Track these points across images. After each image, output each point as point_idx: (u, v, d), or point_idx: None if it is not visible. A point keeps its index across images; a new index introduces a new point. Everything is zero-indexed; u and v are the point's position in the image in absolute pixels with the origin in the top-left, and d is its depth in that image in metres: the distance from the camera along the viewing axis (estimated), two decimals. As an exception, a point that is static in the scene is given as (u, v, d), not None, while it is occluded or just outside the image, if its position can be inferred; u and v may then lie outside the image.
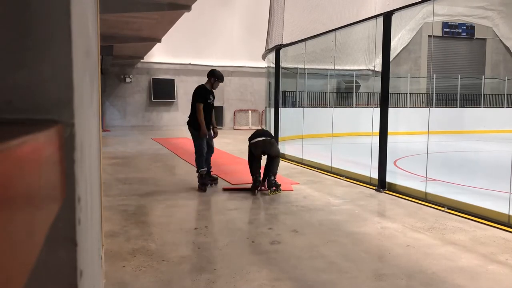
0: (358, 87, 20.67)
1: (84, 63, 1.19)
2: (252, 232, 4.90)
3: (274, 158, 6.89)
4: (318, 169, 9.22)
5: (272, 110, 12.44)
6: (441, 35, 23.37)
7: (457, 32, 23.77)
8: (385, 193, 6.94)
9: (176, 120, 21.53)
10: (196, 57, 21.60)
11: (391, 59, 9.70)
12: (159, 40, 14.62)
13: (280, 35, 11.19)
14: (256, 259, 3.99)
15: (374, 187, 7.24)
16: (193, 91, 7.16)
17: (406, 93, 20.47)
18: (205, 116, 6.88)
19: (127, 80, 21.45)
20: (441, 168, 9.33)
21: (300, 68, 15.70)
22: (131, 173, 8.62)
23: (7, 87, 0.82)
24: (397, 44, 22.08)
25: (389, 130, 7.32)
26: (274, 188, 6.72)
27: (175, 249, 4.22)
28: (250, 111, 23.08)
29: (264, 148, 6.86)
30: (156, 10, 9.72)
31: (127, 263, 3.81)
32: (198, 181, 6.97)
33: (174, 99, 21.98)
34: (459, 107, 20.45)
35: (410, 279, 3.57)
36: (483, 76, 22.27)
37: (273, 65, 12.19)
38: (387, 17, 7.19)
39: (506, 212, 5.12)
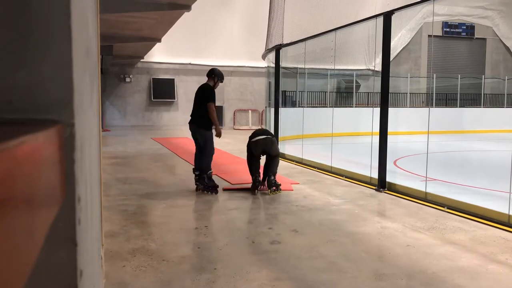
0: (358, 87, 20.68)
1: (84, 63, 1.19)
2: (252, 232, 4.90)
3: (274, 157, 6.90)
4: (318, 169, 9.23)
5: (272, 110, 12.44)
6: (441, 35, 23.37)
7: (457, 32, 23.77)
8: (385, 193, 6.94)
9: (176, 120, 21.54)
10: (196, 57, 21.61)
11: (391, 59, 9.70)
12: (159, 40, 14.63)
13: (280, 35, 11.19)
14: (256, 259, 3.99)
15: (374, 187, 7.24)
16: (197, 90, 6.99)
17: (406, 93, 20.47)
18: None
19: (127, 80, 21.45)
20: (441, 168, 9.33)
21: (300, 68, 15.70)
22: (131, 173, 8.62)
23: (7, 87, 0.82)
24: (397, 44, 22.08)
25: (389, 130, 7.31)
26: (274, 188, 6.72)
27: (175, 249, 4.22)
28: (250, 111, 23.08)
29: (264, 147, 6.87)
30: (156, 10, 9.72)
31: (127, 263, 3.81)
32: (208, 183, 6.71)
33: (174, 99, 21.98)
34: (459, 107, 20.45)
35: (410, 279, 3.57)
36: (483, 76, 22.27)
37: (273, 65, 12.18)
38: (387, 17, 7.19)
39: (506, 212, 5.12)
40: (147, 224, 5.12)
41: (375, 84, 19.48)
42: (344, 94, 20.85)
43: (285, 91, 16.43)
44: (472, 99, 21.83)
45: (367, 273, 3.70)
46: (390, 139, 7.37)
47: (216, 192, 6.66)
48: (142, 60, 20.72)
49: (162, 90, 21.80)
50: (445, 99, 21.32)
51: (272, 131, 11.08)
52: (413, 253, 4.15)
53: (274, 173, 6.82)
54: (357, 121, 15.11)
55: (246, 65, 22.62)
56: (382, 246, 4.41)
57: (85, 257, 1.06)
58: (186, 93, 21.08)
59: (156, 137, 16.79)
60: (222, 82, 7.18)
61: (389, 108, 7.30)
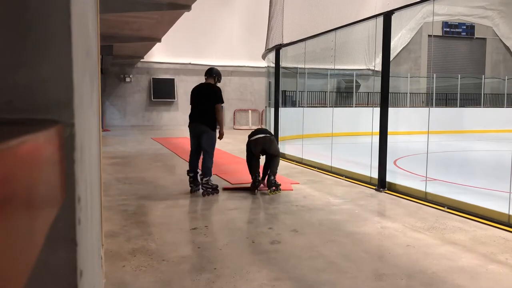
0: (358, 86, 20.68)
1: (84, 63, 1.19)
2: (252, 232, 4.90)
3: (274, 157, 6.90)
4: (318, 168, 9.23)
5: (272, 109, 12.44)
6: (441, 34, 23.37)
7: (457, 32, 23.78)
8: (385, 192, 6.94)
9: (176, 119, 21.54)
10: (196, 57, 21.61)
11: (391, 59, 9.70)
12: (159, 40, 14.63)
13: (280, 35, 11.19)
14: (256, 259, 3.99)
15: (374, 187, 7.24)
16: (198, 89, 6.78)
17: (406, 93, 20.47)
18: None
19: (127, 79, 21.46)
20: (441, 168, 9.33)
21: (300, 68, 15.70)
22: (131, 173, 8.62)
23: (7, 87, 0.82)
24: (397, 43, 22.08)
25: (389, 129, 7.31)
26: (274, 188, 6.72)
27: (175, 249, 4.22)
28: (250, 111, 23.08)
29: (264, 146, 6.87)
30: (156, 10, 9.72)
31: (127, 263, 3.81)
32: (211, 186, 6.58)
33: (174, 98, 21.98)
34: (459, 106, 20.45)
35: (410, 279, 3.57)
36: (483, 76, 22.27)
37: (273, 65, 12.19)
38: (387, 16, 7.19)
39: (506, 212, 5.12)
40: (147, 224, 5.12)
41: (375, 84, 19.49)
42: (344, 94, 20.85)
43: (285, 91, 16.44)
44: (472, 99, 21.83)
45: (367, 273, 3.70)
46: (390, 139, 7.37)
47: (217, 192, 6.65)
48: (142, 60, 20.72)
49: (162, 90, 21.80)
50: (445, 99, 21.32)
51: (272, 131, 11.08)
52: (413, 253, 4.15)
53: (274, 173, 6.82)
54: (357, 121, 15.11)
55: (246, 65, 22.62)
56: (382, 246, 4.41)
57: (85, 257, 1.06)
58: (186, 93, 21.05)
59: (156, 137, 16.79)
60: (220, 81, 7.10)
61: (389, 108, 7.30)
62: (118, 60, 18.74)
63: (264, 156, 7.08)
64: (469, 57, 24.37)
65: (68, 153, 0.87)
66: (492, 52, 24.47)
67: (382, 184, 7.11)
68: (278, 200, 6.43)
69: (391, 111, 7.38)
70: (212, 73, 6.91)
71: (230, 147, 12.87)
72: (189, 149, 6.88)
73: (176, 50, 21.16)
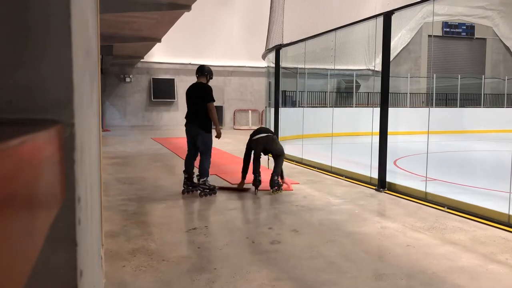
0: (358, 87, 20.68)
1: (84, 63, 1.19)
2: (252, 232, 4.91)
3: (278, 156, 6.89)
4: (318, 169, 9.23)
5: (272, 110, 12.44)
6: (441, 35, 23.38)
7: (457, 32, 23.78)
8: (385, 193, 6.94)
9: (176, 120, 21.53)
10: (196, 57, 21.60)
11: (391, 59, 9.70)
12: (159, 40, 14.63)
13: (280, 35, 11.19)
14: (256, 259, 3.99)
15: (374, 187, 7.24)
16: (191, 89, 6.76)
17: (406, 93, 20.47)
18: None
19: (127, 80, 21.46)
20: (441, 168, 9.33)
21: (300, 68, 15.71)
22: (131, 173, 8.62)
23: (7, 87, 0.82)
24: (397, 44, 22.08)
25: (389, 130, 7.31)
26: (276, 187, 6.73)
27: (175, 249, 4.22)
28: (250, 111, 23.08)
29: (265, 145, 6.87)
30: (156, 10, 9.72)
31: (127, 263, 3.81)
32: (208, 186, 6.56)
33: (174, 99, 21.98)
34: (459, 107, 20.45)
35: (410, 279, 3.57)
36: (483, 76, 22.27)
37: (273, 65, 12.19)
38: (387, 17, 7.19)
39: (506, 212, 5.12)
40: (147, 224, 5.12)
41: (375, 84, 19.48)
42: (344, 94, 20.85)
43: (285, 91, 16.44)
44: (472, 99, 21.83)
45: (367, 273, 3.70)
46: (390, 139, 7.37)
47: (215, 193, 6.64)
48: (142, 60, 20.72)
49: (162, 90, 21.80)
50: (445, 99, 21.33)
51: (272, 131, 11.08)
52: (413, 253, 4.15)
53: (278, 173, 6.82)
54: (357, 121, 15.12)
55: (246, 65, 22.63)
56: (382, 246, 4.41)
57: (85, 257, 1.06)
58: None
59: (156, 137, 16.79)
60: (212, 79, 6.98)
61: (389, 108, 7.30)
62: (118, 60, 18.74)
63: (266, 156, 7.10)
64: (469, 57, 24.38)
65: (68, 153, 0.87)
66: (492, 52, 24.47)
67: (382, 184, 7.11)
68: (278, 200, 6.43)
69: (391, 111, 7.38)
70: (204, 71, 6.83)
71: (230, 147, 12.87)
72: None
73: (176, 50, 21.16)
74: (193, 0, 9.51)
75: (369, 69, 21.61)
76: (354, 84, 19.90)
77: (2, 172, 0.45)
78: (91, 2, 1.83)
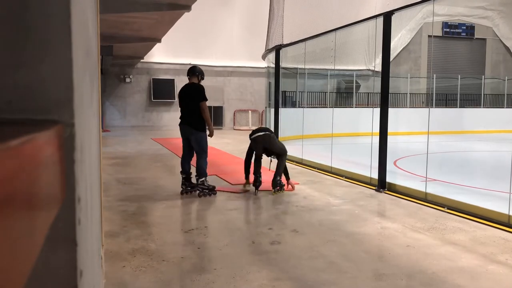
0: (358, 87, 20.68)
1: (84, 63, 1.19)
2: (252, 232, 4.91)
3: (280, 156, 6.88)
4: (318, 169, 9.23)
5: (272, 110, 12.44)
6: (441, 35, 23.38)
7: (457, 32, 23.78)
8: (385, 193, 6.94)
9: (176, 120, 21.22)
10: (196, 57, 21.59)
11: (391, 59, 9.70)
12: (159, 40, 14.63)
13: (280, 35, 11.19)
14: (256, 259, 3.99)
15: (374, 187, 7.24)
16: (184, 90, 6.76)
17: (406, 93, 20.48)
18: None
19: (127, 80, 21.46)
20: (441, 168, 9.33)
21: (300, 68, 15.71)
22: (131, 173, 8.62)
23: (7, 87, 0.82)
24: (397, 44, 22.08)
25: (389, 130, 7.32)
26: (278, 188, 6.74)
27: (175, 249, 4.22)
28: (250, 111, 23.08)
29: (264, 144, 6.86)
30: (156, 10, 9.73)
31: (127, 263, 3.81)
32: (207, 187, 6.56)
33: (174, 99, 21.96)
34: (459, 107, 20.46)
35: (410, 279, 3.57)
36: (483, 76, 22.27)
37: (273, 65, 12.19)
38: (387, 17, 7.19)
39: (506, 212, 5.12)
40: (147, 224, 5.12)
41: (375, 85, 19.47)
42: (344, 94, 20.85)
43: (285, 92, 16.44)
44: (472, 100, 21.84)
45: (367, 273, 3.70)
46: (390, 139, 7.37)
47: (215, 194, 6.64)
48: (142, 60, 20.72)
49: (162, 91, 21.79)
50: (445, 100, 21.33)
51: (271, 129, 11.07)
52: (413, 253, 4.15)
53: (280, 173, 6.81)
54: (357, 121, 15.12)
55: (246, 65, 22.62)
56: (382, 246, 4.41)
57: (85, 257, 1.06)
58: (186, 93, 21.05)
59: (156, 137, 16.79)
60: (203, 79, 7.00)
61: (389, 109, 7.30)
62: (118, 60, 18.74)
63: (269, 157, 7.07)
64: (469, 57, 24.38)
65: (68, 153, 0.87)
66: (492, 53, 24.47)
67: (382, 184, 7.11)
68: (278, 200, 6.43)
69: (391, 111, 7.38)
70: (195, 71, 6.87)
71: (230, 147, 12.87)
72: None
73: (176, 51, 21.16)
74: (193, 1, 9.51)
75: (369, 70, 21.61)
76: (354, 84, 19.90)
77: (2, 172, 0.45)
78: (91, 2, 1.83)
